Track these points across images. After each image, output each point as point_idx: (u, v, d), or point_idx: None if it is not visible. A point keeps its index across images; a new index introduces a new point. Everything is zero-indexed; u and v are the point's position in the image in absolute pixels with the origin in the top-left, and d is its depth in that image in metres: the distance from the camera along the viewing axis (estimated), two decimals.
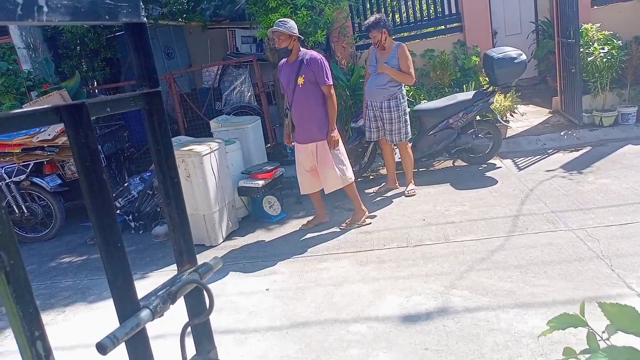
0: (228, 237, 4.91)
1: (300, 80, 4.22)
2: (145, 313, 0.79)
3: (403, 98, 5.10)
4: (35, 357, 0.64)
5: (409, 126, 5.18)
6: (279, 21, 4.29)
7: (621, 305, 1.00)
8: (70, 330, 3.60)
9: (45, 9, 0.68)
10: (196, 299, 0.99)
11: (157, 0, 6.88)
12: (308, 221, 4.86)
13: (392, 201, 5.16)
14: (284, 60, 4.48)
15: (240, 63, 7.61)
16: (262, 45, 7.59)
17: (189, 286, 0.91)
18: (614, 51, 6.17)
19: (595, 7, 6.99)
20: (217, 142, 4.97)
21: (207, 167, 4.66)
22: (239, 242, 4.80)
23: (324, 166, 4.46)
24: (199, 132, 7.24)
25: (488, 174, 5.53)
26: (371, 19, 5.01)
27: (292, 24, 4.29)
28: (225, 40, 8.47)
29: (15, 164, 5.52)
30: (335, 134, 4.42)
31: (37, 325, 0.65)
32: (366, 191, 5.54)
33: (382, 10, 7.44)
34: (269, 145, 7.01)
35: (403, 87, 5.13)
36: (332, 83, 4.35)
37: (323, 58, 4.35)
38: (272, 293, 3.69)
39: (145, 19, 0.92)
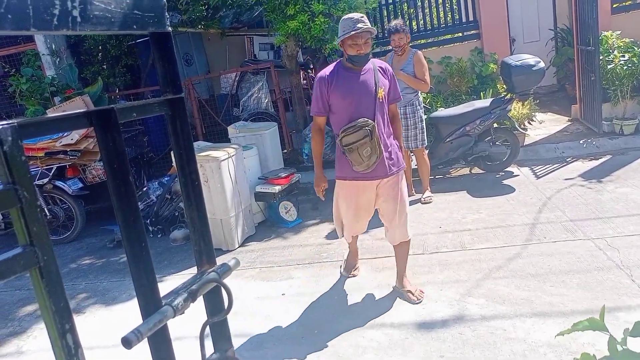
0: (244, 242, 4.96)
1: (381, 94, 3.19)
2: (167, 310, 0.82)
3: (419, 105, 5.11)
4: (66, 349, 0.67)
5: (425, 133, 5.18)
6: (362, 17, 3.14)
7: None
8: (90, 330, 3.67)
9: (78, 19, 0.72)
10: (215, 298, 1.02)
11: (176, 7, 7.01)
12: (348, 266, 3.95)
13: None
14: (333, 67, 3.26)
15: (257, 70, 7.70)
16: (280, 52, 7.67)
17: (208, 285, 0.95)
18: (634, 59, 6.10)
19: (616, 14, 6.93)
20: (234, 147, 5.03)
21: (224, 172, 4.72)
22: (256, 246, 4.84)
23: (396, 208, 3.34)
24: (217, 137, 7.34)
25: (505, 181, 5.49)
26: (397, 21, 5.05)
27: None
28: (243, 47, 8.57)
29: (38, 167, 5.65)
30: None
31: (68, 318, 0.69)
32: None
33: (400, 17, 7.47)
34: (285, 151, 7.07)
35: (419, 94, 5.14)
36: None
37: None
38: (288, 298, 3.71)
39: (170, 29, 0.96)
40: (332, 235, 4.72)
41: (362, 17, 3.12)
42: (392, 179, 3.28)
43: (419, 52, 5.06)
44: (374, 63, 3.27)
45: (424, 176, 5.32)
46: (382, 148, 3.15)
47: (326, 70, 3.25)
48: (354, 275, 3.90)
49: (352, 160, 3.15)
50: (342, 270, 3.97)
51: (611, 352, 1.05)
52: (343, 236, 3.67)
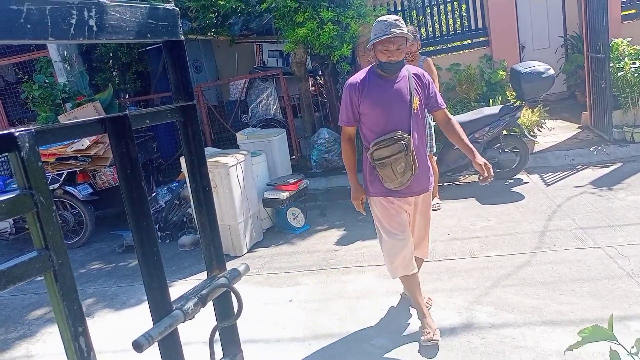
0: (252, 248, 4.97)
1: (416, 103, 2.89)
2: (178, 314, 0.83)
3: (428, 112, 5.10)
4: (78, 351, 0.68)
5: (433, 140, 5.17)
6: (397, 20, 2.77)
7: None
8: (99, 334, 3.69)
9: (95, 29, 0.73)
10: (225, 303, 1.03)
11: (187, 15, 7.08)
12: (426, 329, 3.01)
13: None
14: (364, 74, 2.93)
15: (266, 76, 7.74)
16: (289, 59, 7.71)
17: (218, 290, 0.95)
18: None
19: (626, 21, 6.89)
20: (243, 153, 5.05)
21: (233, 178, 4.74)
22: (263, 252, 4.85)
23: (427, 224, 3.17)
24: (226, 144, 7.38)
25: (514, 189, 5.46)
26: (408, 28, 5.04)
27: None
28: (252, 54, 8.63)
29: (49, 173, 5.71)
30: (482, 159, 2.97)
31: (81, 321, 0.70)
32: None
33: (409, 24, 7.50)
34: (293, 157, 7.09)
35: None
36: None
37: None
38: (295, 304, 3.71)
39: (182, 37, 0.97)
40: (339, 242, 4.72)
41: (398, 20, 2.77)
42: (426, 195, 3.06)
43: (429, 59, 5.06)
44: (409, 69, 2.94)
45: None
46: (418, 163, 2.85)
47: (357, 77, 2.93)
48: (432, 340, 2.92)
49: (384, 176, 2.85)
50: (421, 339, 2.97)
51: None
52: (396, 275, 3.11)
